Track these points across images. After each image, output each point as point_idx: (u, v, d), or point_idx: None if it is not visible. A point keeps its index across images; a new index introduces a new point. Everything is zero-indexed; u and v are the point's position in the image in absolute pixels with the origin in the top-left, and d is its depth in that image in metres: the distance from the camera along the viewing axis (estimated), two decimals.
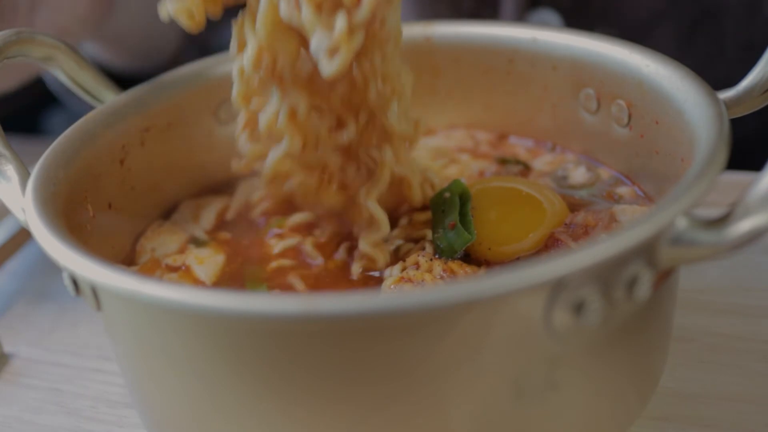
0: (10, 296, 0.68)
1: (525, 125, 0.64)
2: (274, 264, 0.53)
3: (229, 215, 0.60)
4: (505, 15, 0.85)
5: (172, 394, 0.44)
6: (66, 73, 0.57)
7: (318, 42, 0.44)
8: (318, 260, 0.53)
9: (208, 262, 0.54)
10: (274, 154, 0.51)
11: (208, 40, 0.95)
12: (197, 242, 0.57)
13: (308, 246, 0.54)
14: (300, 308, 0.35)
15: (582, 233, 0.51)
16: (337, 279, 0.52)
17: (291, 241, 0.55)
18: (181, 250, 0.56)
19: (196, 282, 0.53)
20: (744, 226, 0.37)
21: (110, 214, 0.55)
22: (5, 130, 0.51)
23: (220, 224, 0.59)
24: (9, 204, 0.48)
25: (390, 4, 0.46)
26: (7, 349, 0.62)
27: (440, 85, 0.65)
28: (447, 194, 0.53)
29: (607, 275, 0.37)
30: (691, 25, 0.81)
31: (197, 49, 0.96)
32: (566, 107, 0.60)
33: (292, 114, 0.49)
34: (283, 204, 0.56)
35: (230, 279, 0.53)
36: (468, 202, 0.53)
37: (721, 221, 0.37)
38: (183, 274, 0.54)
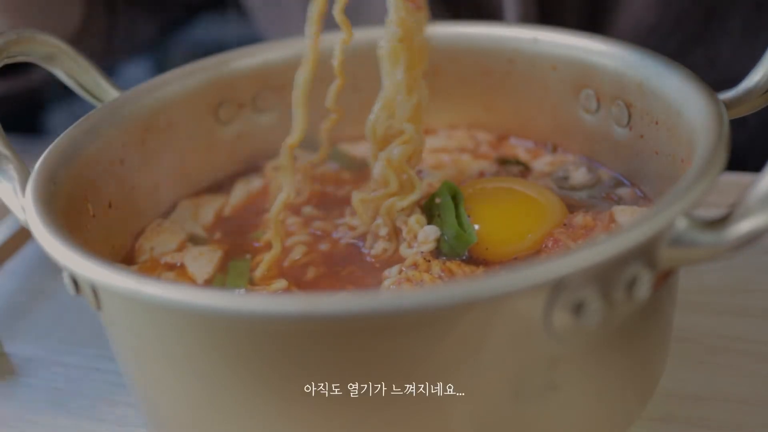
0: (10, 295, 0.68)
1: (525, 126, 0.64)
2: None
3: (226, 213, 0.60)
4: None
5: (172, 393, 0.44)
6: (66, 72, 0.57)
7: None
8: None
9: (205, 260, 0.54)
10: None
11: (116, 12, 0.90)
12: (195, 240, 0.57)
13: None
14: (300, 308, 0.35)
15: (581, 234, 0.51)
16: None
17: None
18: (180, 248, 0.56)
19: (192, 280, 0.53)
20: (744, 226, 0.37)
21: (110, 213, 0.55)
22: (5, 129, 0.51)
23: (218, 223, 0.59)
24: (9, 203, 0.48)
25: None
26: (7, 348, 0.62)
27: (440, 85, 0.65)
28: (438, 199, 0.53)
29: (606, 276, 0.37)
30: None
31: (105, 22, 0.89)
32: (566, 108, 0.60)
33: None
34: None
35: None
36: (461, 203, 0.52)
37: (721, 222, 0.37)
38: (179, 272, 0.54)
